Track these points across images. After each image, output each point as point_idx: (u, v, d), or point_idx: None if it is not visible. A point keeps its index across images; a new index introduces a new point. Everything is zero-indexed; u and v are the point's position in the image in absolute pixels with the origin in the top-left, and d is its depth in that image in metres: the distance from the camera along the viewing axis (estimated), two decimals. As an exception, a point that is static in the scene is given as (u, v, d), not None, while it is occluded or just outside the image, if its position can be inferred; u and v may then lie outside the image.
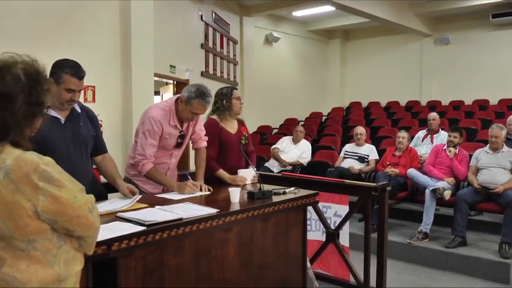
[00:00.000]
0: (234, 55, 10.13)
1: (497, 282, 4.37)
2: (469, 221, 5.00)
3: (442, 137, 6.35)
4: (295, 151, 6.96)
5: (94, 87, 5.39)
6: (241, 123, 3.85)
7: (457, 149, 5.43)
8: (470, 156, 5.35)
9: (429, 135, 6.57)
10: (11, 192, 1.36)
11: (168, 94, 8.05)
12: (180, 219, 2.27)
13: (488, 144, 5.21)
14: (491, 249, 4.73)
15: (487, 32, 11.00)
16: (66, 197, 1.42)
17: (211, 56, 8.99)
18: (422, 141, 6.59)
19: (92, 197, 1.56)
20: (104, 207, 2.47)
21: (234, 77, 10.10)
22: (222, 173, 3.55)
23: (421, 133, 6.72)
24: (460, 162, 5.32)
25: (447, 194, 5.03)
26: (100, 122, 5.12)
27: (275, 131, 10.30)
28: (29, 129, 1.46)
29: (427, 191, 5.11)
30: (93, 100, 5.39)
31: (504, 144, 5.12)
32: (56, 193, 1.40)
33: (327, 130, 9.50)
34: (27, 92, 1.42)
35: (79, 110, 2.76)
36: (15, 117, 1.41)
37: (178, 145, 3.31)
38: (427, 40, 11.90)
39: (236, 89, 3.83)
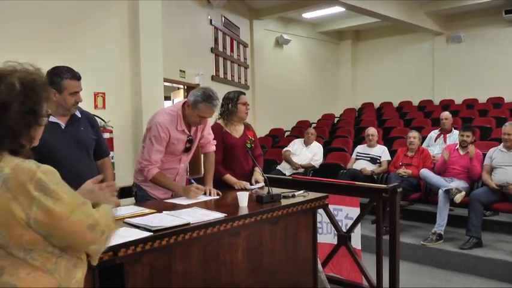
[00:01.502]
0: (245, 58, 10.14)
1: (513, 284, 4.31)
2: (484, 222, 4.93)
3: (455, 136, 6.27)
4: (307, 153, 6.93)
5: (104, 93, 5.41)
6: (247, 127, 3.84)
7: (473, 148, 5.35)
8: (484, 155, 5.28)
9: (442, 135, 6.51)
10: (8, 201, 1.34)
11: (179, 99, 8.08)
12: (188, 224, 2.26)
13: (502, 143, 5.13)
14: (507, 250, 4.66)
15: (499, 28, 10.84)
16: (60, 210, 1.37)
17: (221, 59, 9.00)
18: (435, 141, 6.53)
19: (102, 209, 1.51)
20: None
21: (245, 80, 10.10)
22: (229, 177, 3.55)
23: (434, 133, 6.66)
24: (475, 161, 5.25)
25: (459, 198, 4.94)
26: (111, 128, 5.22)
27: (287, 133, 10.27)
28: (25, 138, 1.44)
29: (440, 192, 5.04)
30: (104, 107, 5.41)
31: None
32: (50, 206, 1.36)
33: (339, 132, 9.47)
34: (21, 101, 1.41)
35: (79, 115, 2.79)
36: (7, 126, 1.39)
37: (186, 150, 3.30)
38: (438, 38, 11.78)
39: (244, 93, 3.81)
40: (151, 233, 2.11)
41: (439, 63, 11.80)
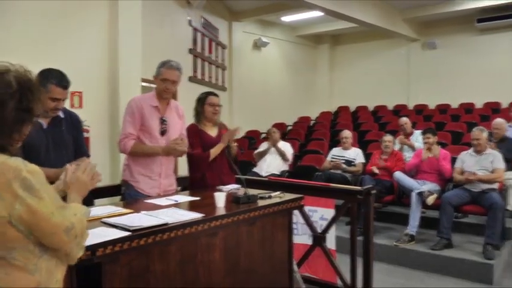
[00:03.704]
0: (223, 60, 10.15)
1: (481, 283, 4.46)
2: (454, 223, 5.08)
3: (417, 136, 6.47)
4: (275, 156, 6.91)
5: (81, 92, 5.38)
6: (222, 127, 3.89)
7: (438, 149, 5.55)
8: (455, 158, 5.44)
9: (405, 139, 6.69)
10: None
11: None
12: (165, 224, 2.28)
13: (472, 147, 5.29)
14: (475, 250, 4.81)
15: (472, 36, 11.13)
16: (44, 210, 1.40)
17: (199, 61, 8.99)
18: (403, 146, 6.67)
19: (77, 213, 1.54)
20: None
21: (223, 82, 10.11)
22: (214, 149, 3.65)
23: (397, 139, 6.78)
24: (443, 160, 5.42)
25: (431, 200, 5.10)
26: (87, 127, 5.19)
27: (263, 135, 10.32)
28: (18, 134, 1.48)
29: (413, 194, 5.18)
30: (80, 106, 5.38)
31: (488, 146, 5.21)
32: (34, 205, 1.38)
33: (314, 134, 9.57)
34: (18, 98, 1.44)
35: (62, 115, 2.79)
36: (4, 122, 1.42)
37: (162, 132, 3.37)
38: (414, 45, 12.01)
39: (214, 94, 3.87)
40: (130, 233, 2.12)
41: (414, 69, 12.03)
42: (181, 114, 3.56)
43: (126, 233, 2.12)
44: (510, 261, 4.96)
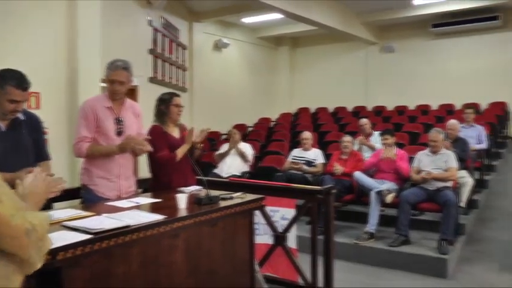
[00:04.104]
0: (183, 61, 10.10)
1: (436, 277, 4.63)
2: (411, 221, 5.24)
3: (376, 137, 6.63)
4: (235, 157, 6.95)
5: (38, 93, 5.26)
6: (183, 128, 3.88)
7: (395, 150, 5.72)
8: (412, 158, 5.61)
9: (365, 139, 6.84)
10: None
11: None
12: (127, 226, 2.27)
13: (428, 147, 5.47)
14: (431, 246, 4.97)
15: (428, 41, 11.52)
16: (4, 213, 1.36)
17: (160, 61, 8.93)
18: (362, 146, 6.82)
19: (38, 216, 1.50)
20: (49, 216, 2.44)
21: (183, 82, 10.07)
22: (180, 150, 3.63)
23: (357, 140, 6.93)
24: (400, 160, 5.58)
25: (389, 198, 5.25)
26: (46, 129, 5.06)
27: (224, 136, 10.33)
28: None
29: (372, 193, 5.32)
30: (38, 107, 5.26)
31: (443, 146, 5.40)
32: None
33: (275, 135, 9.64)
34: None
35: (22, 117, 2.72)
36: None
37: (118, 133, 3.32)
38: (372, 48, 12.31)
39: (178, 95, 3.85)
40: (92, 236, 2.10)
41: (372, 72, 12.32)
42: (138, 113, 3.51)
43: (88, 236, 2.10)
44: (463, 256, 5.15)
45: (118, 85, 3.28)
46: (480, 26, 10.56)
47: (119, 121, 3.32)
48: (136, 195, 3.40)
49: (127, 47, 7.64)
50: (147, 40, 8.52)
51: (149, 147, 3.35)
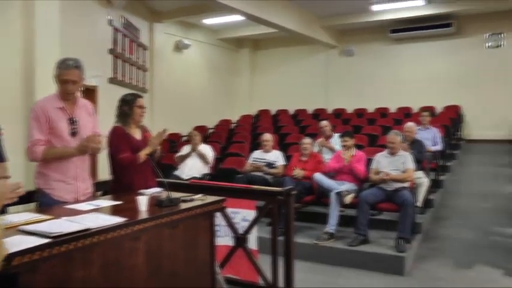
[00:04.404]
0: (144, 61, 10.02)
1: (394, 275, 4.76)
2: (370, 220, 5.36)
3: (336, 139, 6.76)
4: (196, 159, 6.94)
5: (-8, 93, 5.11)
6: (144, 130, 3.86)
7: (354, 152, 5.84)
8: (370, 160, 5.75)
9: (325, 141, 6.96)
10: None
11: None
12: (88, 229, 2.24)
13: (387, 149, 5.62)
14: (389, 245, 5.11)
15: (386, 45, 11.84)
16: None
17: (120, 62, 8.82)
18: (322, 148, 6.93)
19: None
20: (3, 220, 2.37)
21: (144, 83, 9.97)
22: (143, 152, 3.60)
23: (317, 142, 7.03)
24: (357, 162, 5.71)
25: (348, 199, 5.38)
26: (2, 130, 4.92)
27: (185, 138, 10.27)
28: None
29: (332, 194, 5.42)
30: (-8, 107, 5.11)
31: (401, 149, 5.55)
32: None
33: (235, 137, 9.66)
34: None
35: None
36: None
37: (73, 133, 3.25)
38: (332, 51, 12.53)
39: (141, 96, 3.82)
40: (50, 240, 2.06)
41: (332, 75, 12.54)
42: (91, 112, 3.44)
43: (46, 240, 2.05)
44: (420, 253, 5.31)
45: (71, 85, 3.18)
46: (435, 32, 10.96)
47: (72, 121, 3.24)
48: (94, 197, 3.35)
49: (87, 46, 7.52)
50: (107, 40, 8.40)
51: (104, 144, 3.28)
